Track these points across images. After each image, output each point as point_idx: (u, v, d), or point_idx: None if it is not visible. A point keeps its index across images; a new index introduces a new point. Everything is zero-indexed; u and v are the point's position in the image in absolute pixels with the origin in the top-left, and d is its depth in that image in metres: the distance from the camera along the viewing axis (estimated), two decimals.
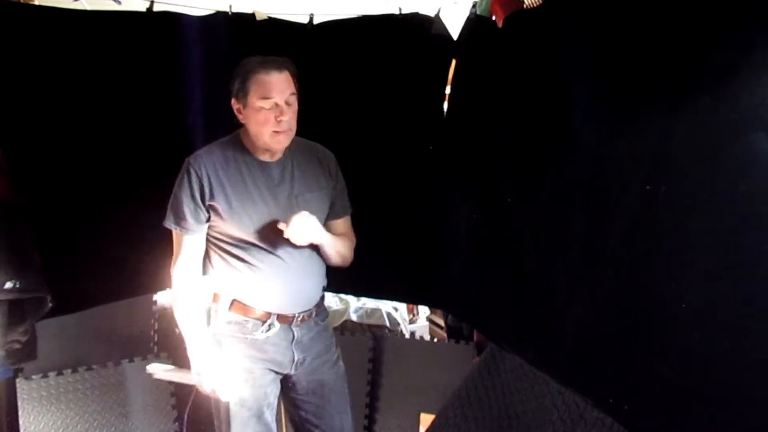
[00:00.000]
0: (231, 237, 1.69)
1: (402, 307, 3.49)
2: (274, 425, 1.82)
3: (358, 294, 2.94)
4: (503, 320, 1.99)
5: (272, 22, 2.41)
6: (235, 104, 1.63)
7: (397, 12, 2.35)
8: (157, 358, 2.57)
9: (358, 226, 2.07)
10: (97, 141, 2.19)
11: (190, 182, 1.64)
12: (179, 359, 2.64)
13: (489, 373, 2.20)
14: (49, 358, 2.33)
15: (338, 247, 1.80)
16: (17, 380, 2.27)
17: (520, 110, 1.87)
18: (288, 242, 1.65)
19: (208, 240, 1.74)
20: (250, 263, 1.69)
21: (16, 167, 1.97)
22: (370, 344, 2.79)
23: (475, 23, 2.14)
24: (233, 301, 1.71)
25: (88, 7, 2.21)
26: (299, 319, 1.76)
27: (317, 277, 1.82)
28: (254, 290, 1.71)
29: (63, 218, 2.13)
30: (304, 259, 1.75)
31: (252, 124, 1.61)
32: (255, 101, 1.57)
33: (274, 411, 1.83)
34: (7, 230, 1.76)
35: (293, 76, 1.62)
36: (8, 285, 1.72)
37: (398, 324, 3.22)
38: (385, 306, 3.22)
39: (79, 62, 2.11)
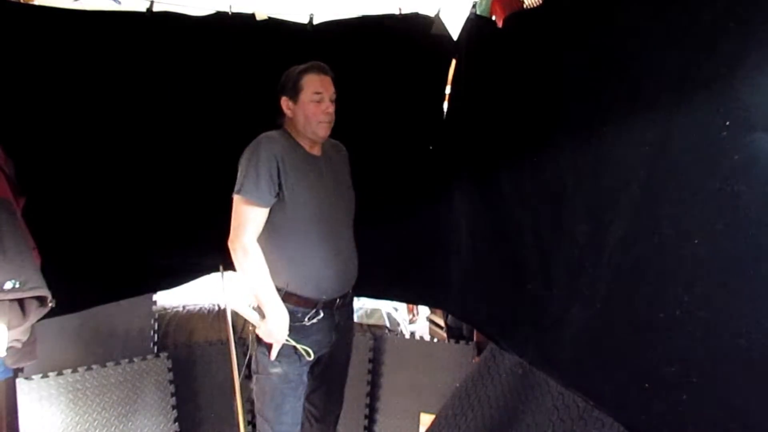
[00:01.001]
0: (288, 222, 1.81)
1: (402, 307, 3.49)
2: (302, 401, 1.98)
3: (358, 294, 2.93)
4: (503, 321, 1.99)
5: (272, 22, 2.41)
6: (284, 101, 1.87)
7: (397, 12, 2.35)
8: (157, 358, 2.57)
9: (357, 227, 2.07)
10: (97, 141, 2.19)
11: (268, 159, 1.77)
12: (179, 359, 2.65)
13: (489, 373, 2.21)
14: (49, 358, 2.33)
15: None
16: (17, 380, 2.27)
17: (520, 110, 1.87)
18: (337, 228, 1.87)
19: (264, 230, 1.82)
20: (303, 250, 1.83)
21: (17, 167, 1.97)
22: (370, 344, 2.79)
23: (475, 23, 2.14)
24: (287, 293, 1.83)
25: (88, 7, 2.20)
26: (339, 303, 1.93)
27: (356, 259, 2.00)
28: (307, 278, 1.85)
29: (63, 218, 2.13)
30: (348, 243, 1.95)
31: (301, 117, 1.85)
32: (307, 95, 1.84)
33: (305, 389, 1.98)
34: (7, 230, 1.76)
35: (333, 80, 1.89)
36: (8, 285, 1.72)
37: (398, 324, 3.22)
38: (385, 306, 3.21)
39: (79, 62, 2.11)
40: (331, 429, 2.14)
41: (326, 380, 2.05)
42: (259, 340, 1.88)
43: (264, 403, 1.91)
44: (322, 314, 1.87)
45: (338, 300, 1.92)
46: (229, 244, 1.78)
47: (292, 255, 1.83)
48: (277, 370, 1.87)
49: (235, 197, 1.78)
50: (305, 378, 1.95)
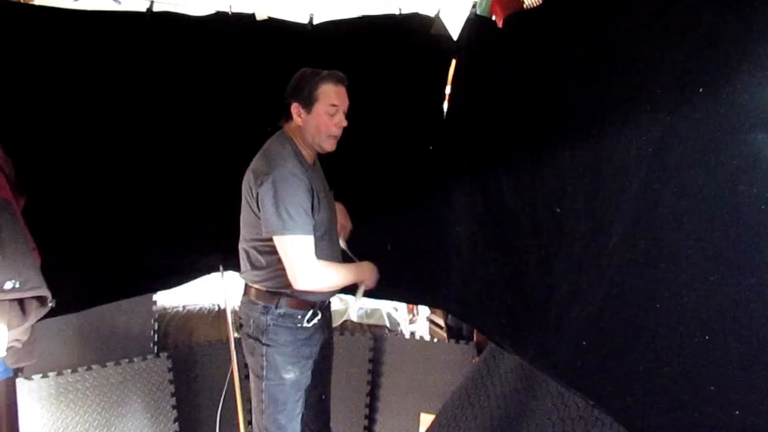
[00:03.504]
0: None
1: (402, 307, 3.49)
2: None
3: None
4: (503, 320, 1.99)
5: (272, 22, 2.42)
6: (296, 108, 1.79)
7: (397, 12, 2.35)
8: (157, 358, 2.57)
9: (358, 227, 2.08)
10: (97, 141, 2.19)
11: (301, 186, 1.72)
12: (179, 359, 2.65)
13: (489, 373, 2.21)
14: (49, 358, 2.34)
15: None
16: (17, 380, 2.27)
17: (520, 110, 1.87)
18: (334, 233, 1.92)
19: (255, 240, 1.80)
20: None
21: (17, 167, 1.97)
22: (370, 344, 2.79)
23: (475, 23, 2.14)
24: (284, 297, 1.83)
25: (88, 8, 2.20)
26: (328, 302, 2.01)
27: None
28: None
29: (63, 218, 2.13)
30: (339, 248, 1.99)
31: (312, 127, 1.79)
32: (323, 107, 1.77)
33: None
34: (7, 230, 1.76)
35: (348, 90, 1.84)
36: (8, 285, 1.72)
37: (398, 324, 3.22)
38: (385, 306, 3.21)
39: (79, 62, 2.11)
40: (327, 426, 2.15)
41: (318, 383, 2.03)
42: (267, 344, 1.84)
43: (277, 410, 1.89)
44: (320, 314, 1.90)
45: (328, 302, 2.00)
46: (297, 285, 1.73)
47: None
48: (290, 375, 1.86)
49: (284, 238, 1.69)
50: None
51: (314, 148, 1.85)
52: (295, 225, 1.69)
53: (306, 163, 1.83)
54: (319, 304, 1.91)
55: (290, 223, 1.68)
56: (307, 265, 1.73)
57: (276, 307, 1.83)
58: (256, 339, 1.85)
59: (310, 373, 1.93)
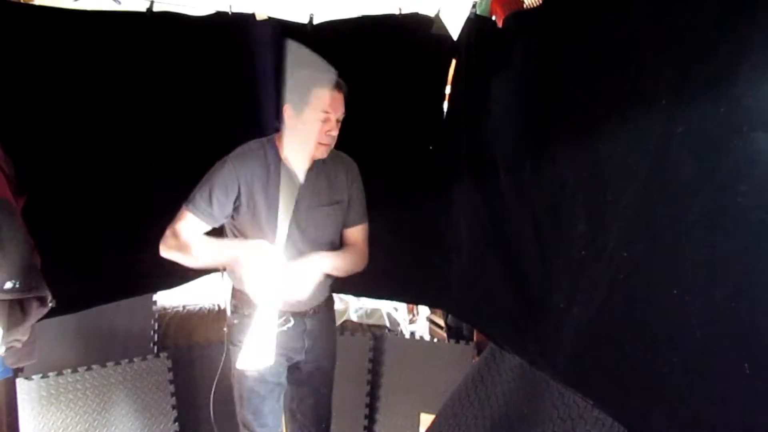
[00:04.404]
0: (252, 238, 1.78)
1: (402, 307, 3.49)
2: (281, 403, 1.98)
3: (358, 294, 2.94)
4: (503, 320, 1.99)
5: (272, 22, 2.41)
6: (287, 109, 1.72)
7: (397, 12, 2.35)
8: (157, 358, 2.57)
9: None
10: (97, 141, 2.19)
11: (226, 178, 1.73)
12: (179, 359, 2.65)
13: (489, 373, 2.20)
14: (49, 358, 2.33)
15: (339, 265, 1.87)
16: (17, 380, 2.27)
17: (520, 110, 1.87)
18: (300, 248, 1.79)
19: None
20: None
21: (17, 167, 1.97)
22: (370, 344, 2.79)
23: (475, 23, 2.14)
24: (246, 296, 1.79)
25: (88, 8, 2.20)
26: (311, 311, 1.91)
27: (326, 278, 1.88)
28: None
29: (63, 218, 2.13)
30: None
31: (301, 131, 1.70)
32: (314, 112, 1.68)
33: (284, 391, 1.98)
34: (7, 230, 1.76)
35: (345, 98, 1.75)
36: (8, 285, 1.71)
37: (398, 324, 3.22)
38: (385, 306, 3.21)
39: (79, 62, 2.11)
40: None
41: (314, 390, 2.03)
42: (232, 342, 1.88)
43: (242, 406, 1.89)
44: (292, 321, 1.84)
45: (309, 309, 1.90)
46: (161, 244, 1.74)
47: None
48: (250, 373, 1.83)
49: (184, 208, 1.74)
50: (283, 380, 1.94)
51: (303, 153, 1.72)
52: (191, 199, 1.74)
53: (277, 167, 1.75)
54: (292, 312, 1.84)
55: (198, 200, 1.72)
56: (172, 233, 1.71)
57: (242, 307, 1.85)
58: (228, 337, 1.91)
59: (280, 371, 1.89)
